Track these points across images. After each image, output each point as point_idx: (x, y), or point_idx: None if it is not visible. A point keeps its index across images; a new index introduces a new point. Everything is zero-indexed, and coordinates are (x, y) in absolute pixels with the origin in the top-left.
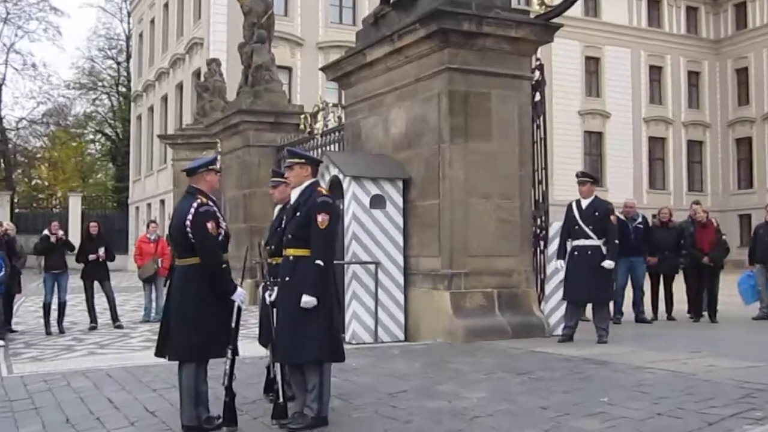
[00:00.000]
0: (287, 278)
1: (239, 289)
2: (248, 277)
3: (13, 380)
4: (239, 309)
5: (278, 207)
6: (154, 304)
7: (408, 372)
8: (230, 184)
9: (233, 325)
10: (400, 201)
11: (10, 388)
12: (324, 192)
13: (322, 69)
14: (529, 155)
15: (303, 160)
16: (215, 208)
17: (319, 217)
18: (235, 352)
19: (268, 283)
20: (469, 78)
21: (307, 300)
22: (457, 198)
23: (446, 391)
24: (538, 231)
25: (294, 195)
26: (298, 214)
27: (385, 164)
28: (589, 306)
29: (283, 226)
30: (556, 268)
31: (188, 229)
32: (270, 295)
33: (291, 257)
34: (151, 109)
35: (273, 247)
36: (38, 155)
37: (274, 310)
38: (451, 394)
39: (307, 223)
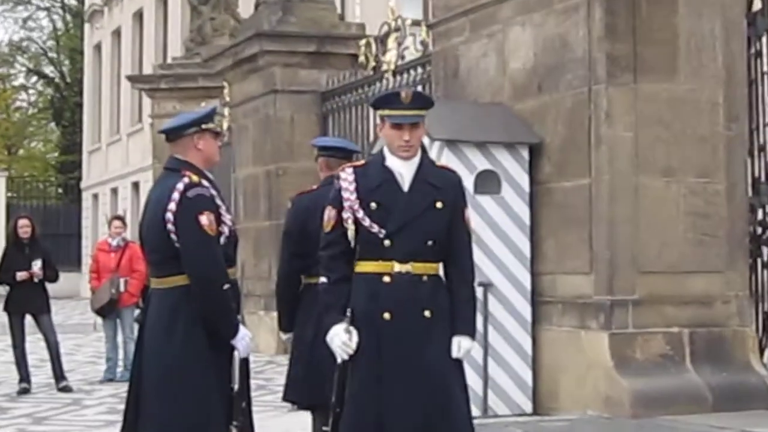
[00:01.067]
0: (424, 310)
1: (242, 328)
2: (256, 308)
3: None
4: (244, 363)
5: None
6: (120, 353)
7: None
8: (245, 155)
9: (234, 387)
10: (525, 181)
11: None
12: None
13: None
14: (744, 103)
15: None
16: (213, 192)
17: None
18: None
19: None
20: None
21: (470, 345)
22: (622, 176)
23: None
24: (760, 230)
25: (411, 169)
26: (438, 204)
27: (500, 120)
28: None
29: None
30: None
31: (169, 227)
32: (344, 342)
33: (422, 276)
34: (116, 33)
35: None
36: None
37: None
38: None
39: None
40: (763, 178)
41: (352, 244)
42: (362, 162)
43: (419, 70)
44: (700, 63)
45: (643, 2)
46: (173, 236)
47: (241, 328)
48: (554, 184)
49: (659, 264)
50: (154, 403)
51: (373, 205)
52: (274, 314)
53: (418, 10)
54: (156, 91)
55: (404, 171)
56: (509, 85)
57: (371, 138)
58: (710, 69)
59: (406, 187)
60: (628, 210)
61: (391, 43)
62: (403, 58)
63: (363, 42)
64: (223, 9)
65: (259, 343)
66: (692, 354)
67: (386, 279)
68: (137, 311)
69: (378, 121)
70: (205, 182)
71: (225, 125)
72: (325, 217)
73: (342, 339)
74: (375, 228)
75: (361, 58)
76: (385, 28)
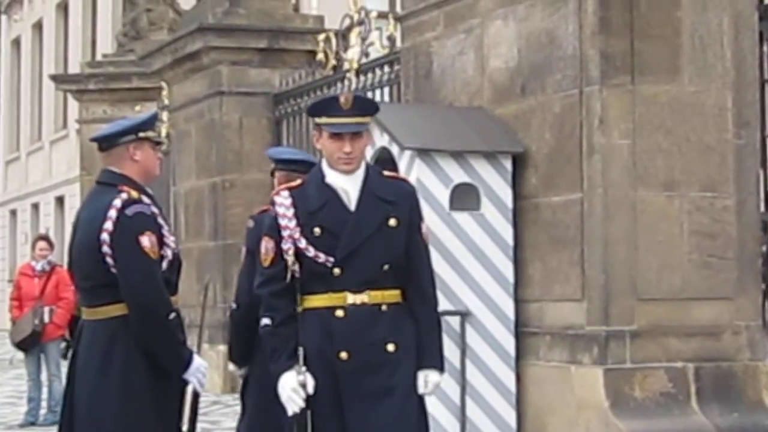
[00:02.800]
0: (387, 344)
1: (196, 359)
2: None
3: None
4: (195, 396)
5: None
6: (44, 392)
7: None
8: (186, 166)
9: (183, 429)
10: (508, 196)
11: None
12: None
13: None
14: (756, 107)
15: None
16: (155, 210)
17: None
18: None
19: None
20: None
21: (438, 379)
22: (617, 190)
23: None
24: None
25: (356, 183)
26: (392, 221)
27: (479, 127)
28: None
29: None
30: None
31: (105, 249)
32: (294, 388)
33: (380, 305)
34: (37, 26)
35: None
36: None
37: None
38: None
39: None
40: None
41: (295, 276)
42: (298, 182)
43: (386, 69)
44: (706, 62)
45: None
46: (109, 260)
47: (196, 358)
48: (541, 199)
49: (660, 290)
50: None
51: (317, 230)
52: (221, 348)
53: (384, 1)
54: (84, 92)
55: (348, 187)
56: (489, 86)
57: None
58: (717, 69)
59: (352, 205)
60: (625, 228)
61: (353, 38)
62: (367, 55)
63: (321, 37)
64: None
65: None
66: (698, 392)
67: (339, 313)
68: (64, 344)
69: (314, 131)
70: (145, 198)
71: (164, 132)
72: (262, 249)
73: (291, 385)
74: (321, 257)
75: (320, 56)
76: (347, 21)
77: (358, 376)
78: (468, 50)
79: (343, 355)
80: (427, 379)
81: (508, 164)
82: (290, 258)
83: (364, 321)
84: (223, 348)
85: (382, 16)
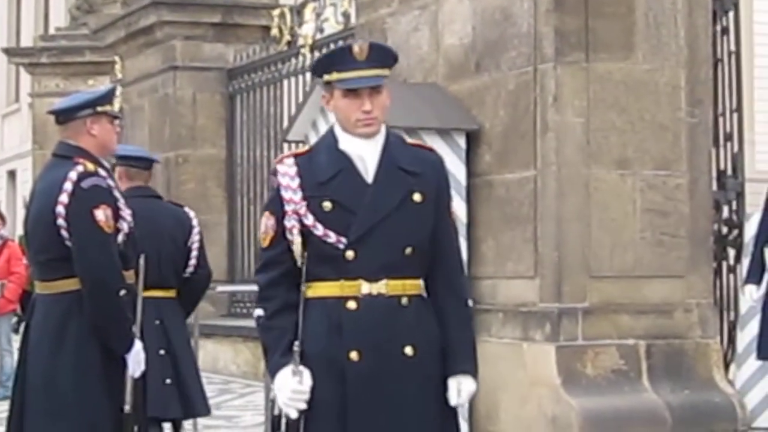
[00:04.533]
0: (405, 346)
1: (137, 343)
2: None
3: None
4: (135, 383)
5: None
6: None
7: None
8: (139, 140)
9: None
10: (461, 173)
11: None
12: None
13: None
14: (709, 86)
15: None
16: (111, 183)
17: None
18: None
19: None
20: None
21: (473, 387)
22: (571, 168)
23: None
24: (725, 230)
25: (375, 150)
26: (417, 196)
27: (433, 103)
28: None
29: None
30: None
31: (60, 222)
32: (294, 390)
33: (400, 297)
34: None
35: None
36: None
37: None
38: None
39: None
40: (729, 171)
41: (299, 262)
42: (306, 148)
43: (340, 44)
44: (660, 40)
45: None
46: (64, 233)
47: (136, 342)
48: (494, 176)
49: (613, 268)
50: (39, 424)
51: (327, 204)
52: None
53: None
54: (36, 66)
55: (366, 154)
56: (444, 63)
57: (284, 123)
58: (671, 47)
59: (370, 176)
60: (578, 206)
61: (308, 14)
62: (321, 31)
63: (276, 12)
64: None
65: None
66: (649, 369)
67: (351, 305)
68: (15, 319)
69: (322, 92)
70: (101, 171)
71: (117, 106)
72: (261, 227)
73: (291, 387)
74: (331, 237)
75: (274, 31)
76: None
77: (369, 383)
78: (423, 27)
79: (354, 355)
80: (460, 388)
81: (462, 141)
82: (295, 238)
83: (381, 316)
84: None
85: None
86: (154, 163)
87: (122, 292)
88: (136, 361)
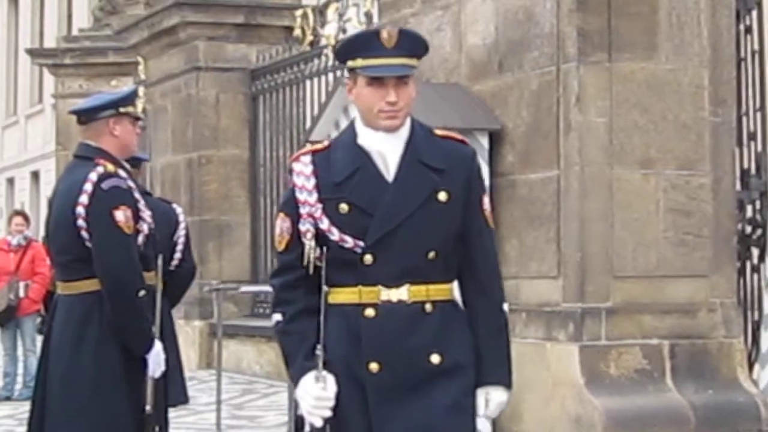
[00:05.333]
0: (431, 354)
1: (157, 344)
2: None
3: None
4: (155, 383)
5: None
6: (20, 368)
7: None
8: (162, 141)
9: (147, 408)
10: (484, 173)
11: None
12: None
13: None
14: (732, 85)
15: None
16: (131, 185)
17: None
18: None
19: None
20: None
21: (503, 398)
22: (594, 168)
23: None
24: (749, 229)
25: (397, 145)
26: (441, 195)
27: (456, 103)
28: None
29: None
30: None
31: (80, 223)
32: (318, 396)
33: (423, 304)
34: (13, 1)
35: None
36: None
37: None
38: None
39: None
40: (753, 170)
41: (310, 268)
42: (324, 144)
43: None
44: (683, 40)
45: None
46: (84, 234)
47: (156, 342)
48: (517, 176)
49: (636, 267)
50: (59, 425)
51: (343, 207)
52: (196, 323)
53: None
54: (60, 67)
55: (387, 149)
56: (467, 63)
57: (307, 124)
58: (694, 47)
59: (390, 174)
60: (602, 206)
61: (331, 14)
62: (344, 31)
63: (299, 13)
64: None
65: None
66: (673, 369)
67: (369, 312)
68: (39, 320)
69: (346, 79)
70: (121, 173)
71: (140, 107)
72: (276, 230)
73: (314, 394)
74: (348, 241)
75: (297, 32)
76: None
77: (391, 395)
78: (445, 27)
79: (373, 366)
80: (488, 398)
81: (484, 141)
82: (309, 243)
83: (402, 323)
84: (198, 323)
85: None
86: (143, 161)
87: (141, 293)
88: (156, 361)
